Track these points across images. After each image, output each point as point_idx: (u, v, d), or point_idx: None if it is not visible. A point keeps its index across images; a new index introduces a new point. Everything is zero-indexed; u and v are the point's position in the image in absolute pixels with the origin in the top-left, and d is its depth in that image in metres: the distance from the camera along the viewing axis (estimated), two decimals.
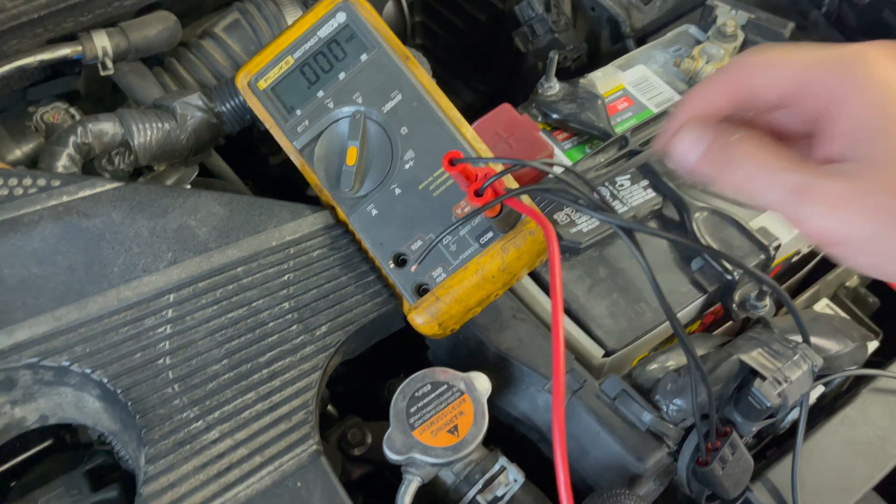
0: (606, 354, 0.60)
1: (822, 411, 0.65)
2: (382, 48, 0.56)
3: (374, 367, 0.72)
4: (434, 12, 1.02)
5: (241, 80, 0.57)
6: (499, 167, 0.51)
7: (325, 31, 0.56)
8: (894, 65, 0.34)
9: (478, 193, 0.46)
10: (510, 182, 0.54)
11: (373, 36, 0.56)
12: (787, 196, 0.34)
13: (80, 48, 0.66)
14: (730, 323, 0.71)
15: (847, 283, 0.77)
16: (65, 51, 0.65)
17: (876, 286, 0.79)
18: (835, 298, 0.75)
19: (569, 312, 0.62)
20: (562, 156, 0.71)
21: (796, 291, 0.73)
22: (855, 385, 0.66)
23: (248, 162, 0.84)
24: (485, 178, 0.47)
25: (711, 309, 0.67)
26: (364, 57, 0.56)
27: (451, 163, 0.44)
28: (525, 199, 0.53)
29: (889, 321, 0.75)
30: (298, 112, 0.57)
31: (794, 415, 0.61)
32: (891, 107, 0.33)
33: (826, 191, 0.33)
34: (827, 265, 0.75)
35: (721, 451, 0.50)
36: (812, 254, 0.76)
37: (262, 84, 0.57)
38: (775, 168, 0.35)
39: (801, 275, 0.78)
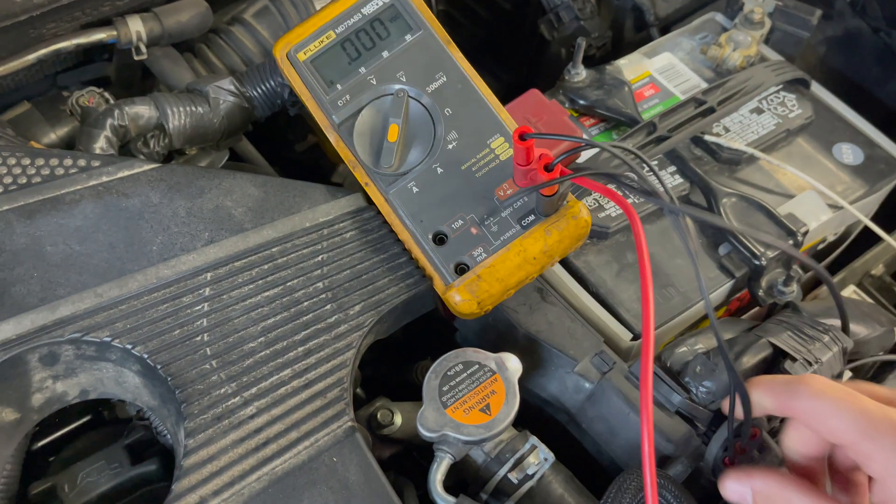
0: (634, 338, 0.61)
1: None
2: (428, 30, 0.57)
3: (401, 352, 0.72)
4: (458, 1, 1.03)
5: (280, 51, 0.58)
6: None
7: (369, 9, 0.57)
8: None
9: (548, 168, 0.47)
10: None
11: (418, 17, 0.57)
12: None
13: (115, 33, 0.67)
14: (756, 309, 0.72)
15: (873, 272, 0.77)
16: (100, 35, 0.66)
17: None
18: (860, 286, 0.75)
19: (596, 296, 0.63)
20: None
21: None
22: (881, 371, 0.67)
23: (274, 149, 0.85)
24: (548, 158, 0.47)
25: (737, 295, 0.68)
26: (409, 37, 0.57)
27: (522, 137, 0.45)
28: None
29: None
30: (339, 86, 0.57)
31: None
32: None
33: None
34: (853, 253, 0.75)
35: (750, 454, 0.50)
36: (838, 241, 0.76)
37: (302, 56, 0.57)
38: None
39: (827, 262, 0.78)
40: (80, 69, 0.76)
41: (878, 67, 0.95)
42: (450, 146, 0.55)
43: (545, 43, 0.93)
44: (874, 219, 0.71)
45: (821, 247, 0.74)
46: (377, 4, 0.57)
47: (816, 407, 0.39)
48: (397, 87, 0.56)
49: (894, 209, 0.76)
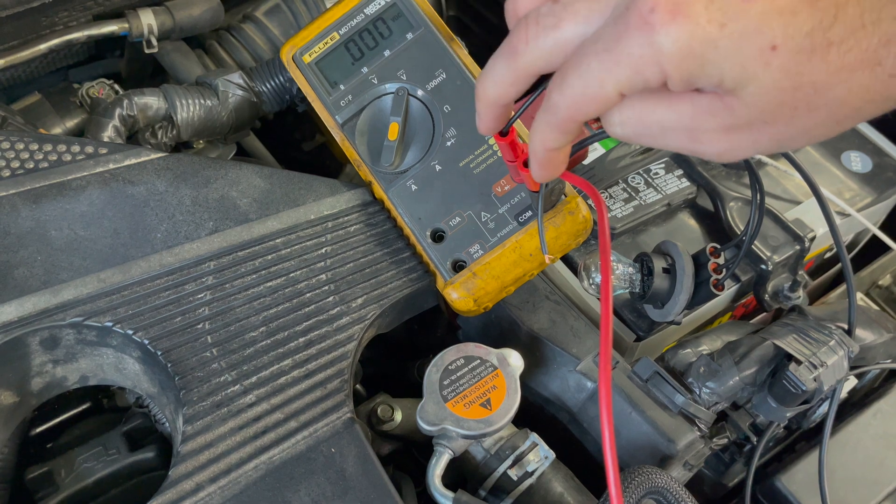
0: (637, 340, 0.61)
1: (854, 405, 0.65)
2: (429, 27, 0.57)
3: (403, 351, 0.72)
4: (468, 7, 1.03)
5: (287, 54, 0.58)
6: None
7: (371, 9, 0.57)
8: None
9: (527, 164, 0.46)
10: None
11: (419, 15, 0.57)
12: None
13: (126, 25, 0.67)
14: (761, 316, 0.71)
15: (880, 282, 0.76)
16: (112, 27, 0.67)
17: None
18: (867, 295, 0.74)
19: None
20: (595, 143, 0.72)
21: (829, 287, 0.73)
22: (888, 379, 0.66)
23: (282, 148, 0.85)
24: (525, 154, 0.47)
25: (743, 300, 0.67)
26: (410, 35, 0.57)
27: (502, 133, 0.45)
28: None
29: None
30: (342, 87, 0.57)
31: (824, 409, 0.61)
32: None
33: None
34: (860, 262, 0.74)
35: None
36: (846, 249, 0.76)
37: (307, 58, 0.58)
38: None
39: (834, 271, 0.77)
40: (91, 64, 0.76)
41: None
42: (448, 143, 0.55)
43: None
44: (882, 228, 0.70)
45: (828, 255, 0.74)
46: (379, 4, 0.57)
47: None
48: (398, 85, 0.57)
49: None
